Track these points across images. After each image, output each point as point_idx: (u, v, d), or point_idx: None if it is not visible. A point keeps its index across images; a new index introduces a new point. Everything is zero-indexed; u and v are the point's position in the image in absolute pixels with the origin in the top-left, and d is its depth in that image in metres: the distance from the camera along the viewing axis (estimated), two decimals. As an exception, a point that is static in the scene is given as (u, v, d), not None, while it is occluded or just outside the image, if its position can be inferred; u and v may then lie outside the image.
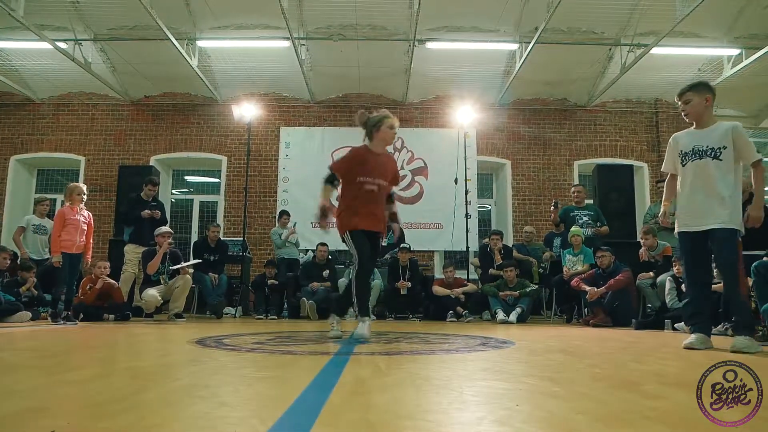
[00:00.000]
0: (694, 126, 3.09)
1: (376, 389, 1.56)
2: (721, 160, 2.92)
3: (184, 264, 6.08)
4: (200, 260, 6.72)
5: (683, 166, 3.06)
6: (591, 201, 7.58)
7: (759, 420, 1.08)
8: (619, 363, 2.38)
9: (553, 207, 6.53)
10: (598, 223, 6.50)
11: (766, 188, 3.07)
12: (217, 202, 9.67)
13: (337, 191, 3.57)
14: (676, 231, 3.11)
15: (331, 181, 3.46)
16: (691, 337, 2.93)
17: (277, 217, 8.27)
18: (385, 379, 1.77)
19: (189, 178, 10.21)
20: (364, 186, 3.36)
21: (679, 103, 3.12)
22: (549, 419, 1.24)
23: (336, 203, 3.71)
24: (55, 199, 8.92)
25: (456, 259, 8.55)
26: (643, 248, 5.76)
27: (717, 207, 2.90)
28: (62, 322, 4.93)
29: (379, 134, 3.47)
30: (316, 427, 1.11)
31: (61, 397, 1.44)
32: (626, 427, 1.15)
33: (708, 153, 2.96)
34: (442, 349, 2.86)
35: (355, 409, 1.31)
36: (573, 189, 6.75)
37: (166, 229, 6.13)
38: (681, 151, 3.09)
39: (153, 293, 5.63)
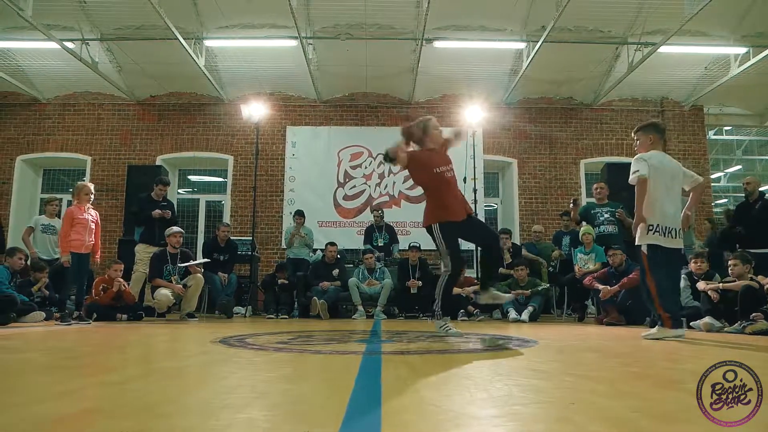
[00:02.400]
0: None
1: (423, 388, 1.57)
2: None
3: (192, 262, 6.06)
4: (208, 260, 6.70)
5: None
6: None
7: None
8: (650, 361, 2.39)
9: (572, 205, 6.51)
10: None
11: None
12: (223, 201, 9.66)
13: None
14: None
15: (390, 159, 3.53)
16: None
17: (291, 216, 8.28)
18: (428, 378, 1.78)
19: (195, 178, 10.21)
20: (444, 175, 3.53)
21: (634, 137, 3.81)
22: (609, 417, 1.24)
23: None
24: (61, 199, 8.89)
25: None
26: None
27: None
28: (73, 322, 4.93)
29: (430, 137, 3.66)
30: (385, 428, 1.11)
31: (112, 398, 1.44)
32: (690, 425, 1.15)
33: None
34: (467, 348, 2.86)
35: (412, 409, 1.31)
36: (595, 186, 6.65)
37: (177, 229, 6.12)
38: None
39: (166, 293, 5.63)
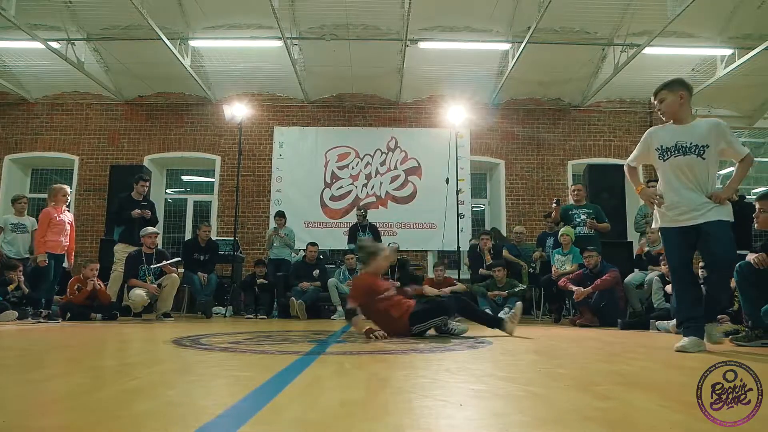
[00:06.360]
0: (673, 122, 3.01)
1: (328, 389, 1.57)
2: (704, 158, 2.87)
3: (165, 262, 6.05)
4: (179, 258, 6.67)
5: (664, 161, 2.97)
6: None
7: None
8: (586, 363, 2.38)
9: (555, 204, 6.48)
10: (594, 218, 6.22)
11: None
12: (210, 201, 9.68)
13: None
14: (659, 226, 3.07)
15: (354, 313, 3.59)
16: (684, 340, 2.76)
17: (272, 217, 8.29)
18: (342, 380, 1.77)
19: (183, 178, 10.22)
20: (383, 302, 3.70)
21: (656, 102, 3.05)
22: (485, 419, 1.24)
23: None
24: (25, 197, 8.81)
25: (451, 260, 8.54)
26: (643, 240, 5.74)
27: (706, 202, 2.85)
28: (42, 321, 5.00)
29: (376, 262, 3.91)
30: (249, 425, 1.12)
31: (12, 397, 1.45)
32: (562, 427, 1.15)
33: (692, 150, 2.89)
34: (416, 349, 2.85)
35: (297, 408, 1.31)
36: (573, 188, 6.64)
37: (152, 229, 6.11)
38: (661, 146, 2.98)
39: (140, 293, 5.64)
